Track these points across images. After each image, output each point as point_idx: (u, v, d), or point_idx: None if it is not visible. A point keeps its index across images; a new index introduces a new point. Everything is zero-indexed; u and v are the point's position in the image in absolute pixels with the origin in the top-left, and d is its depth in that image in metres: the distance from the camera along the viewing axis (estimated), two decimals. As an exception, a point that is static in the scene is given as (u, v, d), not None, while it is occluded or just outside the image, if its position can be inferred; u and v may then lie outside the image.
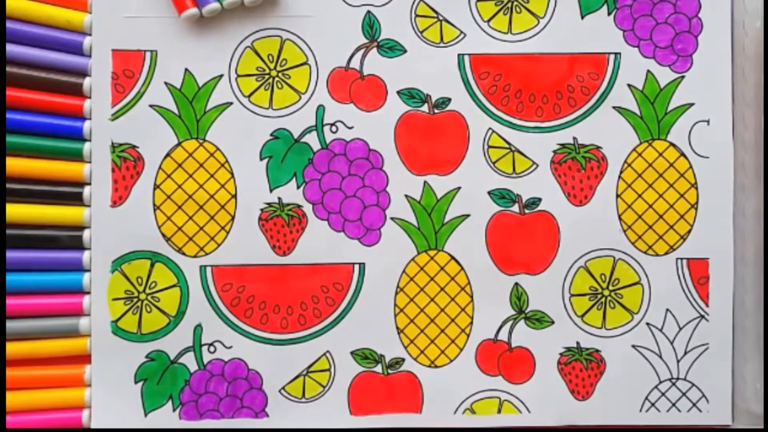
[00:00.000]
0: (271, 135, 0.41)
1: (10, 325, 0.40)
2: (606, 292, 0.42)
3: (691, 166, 0.41)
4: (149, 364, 0.41)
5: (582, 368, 0.41)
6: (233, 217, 0.41)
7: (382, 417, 0.41)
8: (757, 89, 0.41)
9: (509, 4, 0.41)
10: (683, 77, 0.42)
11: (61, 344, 0.41)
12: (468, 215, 0.41)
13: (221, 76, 0.41)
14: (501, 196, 0.41)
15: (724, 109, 0.41)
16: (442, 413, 0.41)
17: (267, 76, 0.41)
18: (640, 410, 0.41)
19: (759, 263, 0.41)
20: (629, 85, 0.41)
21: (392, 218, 0.41)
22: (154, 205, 0.41)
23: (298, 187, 0.41)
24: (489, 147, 0.41)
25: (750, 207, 0.41)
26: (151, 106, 0.41)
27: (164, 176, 0.41)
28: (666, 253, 0.41)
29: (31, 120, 0.40)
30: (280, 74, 0.41)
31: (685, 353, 0.41)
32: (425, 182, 0.41)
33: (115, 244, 0.41)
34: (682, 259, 0.41)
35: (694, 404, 0.41)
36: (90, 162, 0.41)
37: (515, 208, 0.41)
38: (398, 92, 0.41)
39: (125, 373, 0.41)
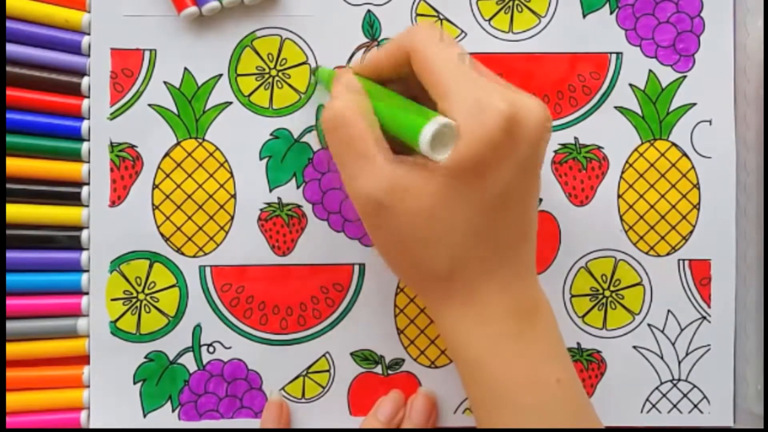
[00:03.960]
0: (271, 134, 0.41)
1: (8, 325, 0.40)
2: (607, 293, 0.41)
3: (693, 167, 0.41)
4: (148, 365, 0.41)
5: (582, 369, 0.41)
6: (232, 217, 0.41)
7: (382, 418, 0.41)
8: (759, 89, 0.41)
9: (510, 3, 0.41)
10: (685, 77, 0.41)
11: (60, 345, 0.40)
12: (468, 215, 0.41)
13: (221, 75, 0.41)
14: (502, 196, 0.41)
15: (727, 109, 0.41)
16: (442, 413, 0.41)
17: (267, 76, 0.41)
18: (641, 411, 0.41)
19: (761, 264, 0.41)
20: (631, 85, 0.41)
21: (392, 218, 0.41)
22: (153, 204, 0.41)
23: (298, 187, 0.41)
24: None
25: (752, 207, 0.41)
26: (150, 105, 0.41)
27: (163, 176, 0.41)
28: (668, 254, 0.41)
29: (28, 120, 0.40)
30: (279, 73, 0.41)
31: (687, 354, 0.41)
32: (426, 182, 0.41)
33: (113, 244, 0.41)
34: (683, 260, 0.41)
35: (696, 405, 0.41)
36: (88, 162, 0.41)
37: (516, 208, 0.41)
38: (399, 92, 0.41)
39: (124, 373, 0.41)
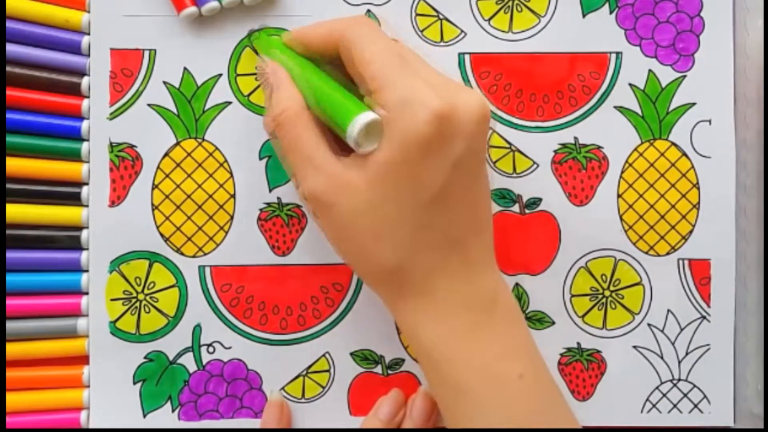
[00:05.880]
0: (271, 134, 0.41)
1: (8, 325, 0.40)
2: (607, 293, 0.41)
3: (692, 166, 0.41)
4: (148, 365, 0.41)
5: (583, 369, 0.41)
6: (232, 217, 0.41)
7: (381, 418, 0.41)
8: (759, 89, 0.41)
9: (510, 3, 0.41)
10: (685, 77, 0.41)
11: (60, 345, 0.40)
12: (468, 215, 0.41)
13: (220, 75, 0.41)
14: (501, 195, 0.41)
15: (726, 108, 0.41)
16: (442, 413, 0.41)
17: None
18: (641, 411, 0.41)
19: (760, 264, 0.41)
20: (631, 85, 0.41)
21: (392, 218, 0.41)
22: (153, 204, 0.41)
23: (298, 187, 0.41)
24: (489, 146, 0.41)
25: (752, 207, 0.41)
26: (149, 105, 0.41)
27: (163, 176, 0.41)
28: (667, 254, 0.41)
29: (28, 120, 0.40)
30: (279, 73, 0.41)
31: (687, 354, 0.41)
32: (425, 182, 0.41)
33: (113, 244, 0.40)
34: (683, 259, 0.41)
35: (696, 405, 0.41)
36: (88, 162, 0.41)
37: (515, 208, 0.41)
38: (398, 91, 0.41)
39: (124, 373, 0.41)
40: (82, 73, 0.40)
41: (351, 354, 0.41)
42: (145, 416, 0.41)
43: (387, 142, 0.31)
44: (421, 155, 0.31)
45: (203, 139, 0.41)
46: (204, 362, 0.41)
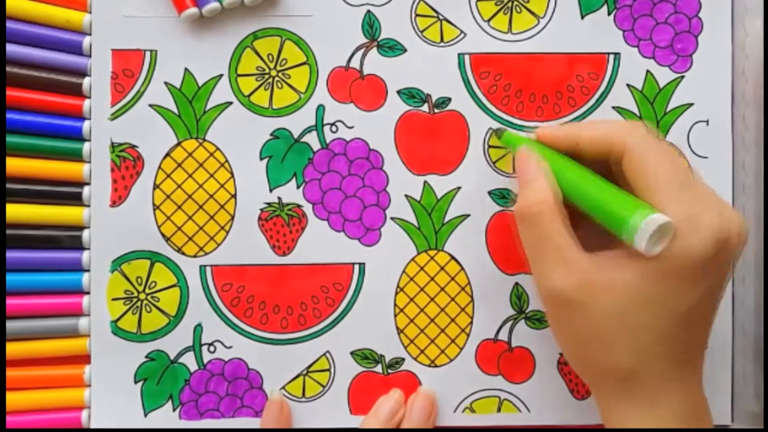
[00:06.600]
0: (271, 135, 0.41)
1: (10, 325, 0.40)
2: (606, 292, 0.41)
3: (689, 167, 0.41)
4: (149, 364, 0.41)
5: (582, 368, 0.41)
6: (233, 217, 0.41)
7: (382, 417, 0.41)
8: (757, 89, 0.41)
9: (509, 4, 0.41)
10: (683, 77, 0.42)
11: (61, 344, 0.40)
12: (468, 215, 0.41)
13: (221, 75, 0.41)
14: (501, 196, 0.41)
15: (724, 109, 0.41)
16: (442, 412, 0.41)
17: (267, 76, 0.41)
18: (640, 410, 0.41)
19: (759, 264, 0.41)
20: (629, 85, 0.41)
21: (392, 218, 0.41)
22: (154, 204, 0.41)
23: (298, 187, 0.41)
24: (489, 147, 0.41)
25: (750, 207, 0.41)
26: (150, 105, 0.41)
27: (164, 176, 0.41)
28: (666, 253, 0.41)
29: (30, 120, 0.40)
30: (279, 74, 0.41)
31: (685, 353, 0.41)
32: (425, 182, 0.41)
33: (114, 244, 0.41)
34: (682, 259, 0.41)
35: (694, 404, 0.41)
36: (89, 162, 0.41)
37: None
38: (398, 92, 0.41)
39: (125, 373, 0.41)
40: (83, 73, 0.41)
41: (351, 353, 0.41)
42: (146, 415, 0.41)
43: (674, 250, 0.31)
44: (692, 274, 0.31)
45: (204, 140, 0.41)
46: (205, 361, 0.41)
